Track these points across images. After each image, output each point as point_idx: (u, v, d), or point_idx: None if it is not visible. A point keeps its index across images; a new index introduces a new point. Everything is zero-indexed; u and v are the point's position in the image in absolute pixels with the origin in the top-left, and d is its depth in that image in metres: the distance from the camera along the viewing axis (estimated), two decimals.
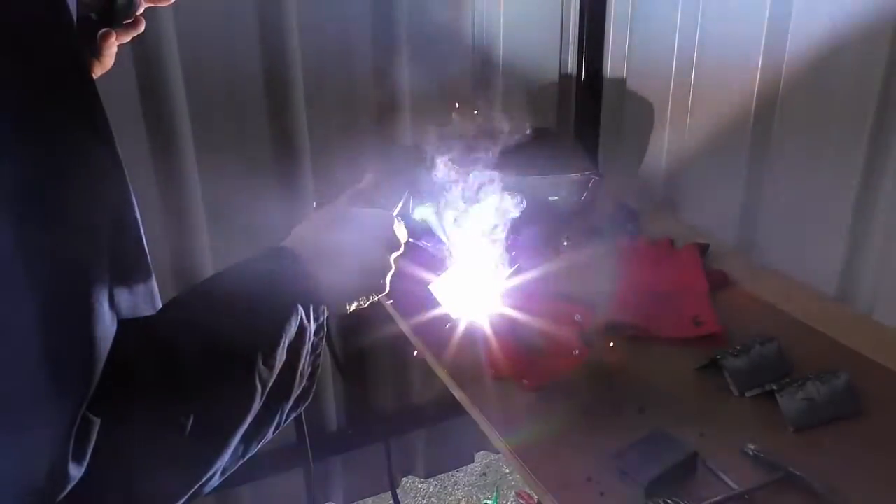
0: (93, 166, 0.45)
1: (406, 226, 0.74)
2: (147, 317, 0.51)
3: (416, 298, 0.94)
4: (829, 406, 0.95)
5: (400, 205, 0.75)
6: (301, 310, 0.59)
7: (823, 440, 0.92)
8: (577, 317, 0.95)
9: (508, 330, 0.98)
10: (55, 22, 0.43)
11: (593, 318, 0.96)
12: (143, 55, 1.36)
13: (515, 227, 1.17)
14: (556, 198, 1.42)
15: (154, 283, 0.52)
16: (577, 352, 0.96)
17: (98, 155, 0.46)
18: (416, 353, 1.12)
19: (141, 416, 0.46)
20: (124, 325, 0.46)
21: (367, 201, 0.73)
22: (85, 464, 0.42)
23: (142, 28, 0.67)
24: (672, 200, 1.62)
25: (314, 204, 0.77)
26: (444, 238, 0.87)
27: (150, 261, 0.53)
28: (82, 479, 0.42)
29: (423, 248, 0.87)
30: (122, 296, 0.47)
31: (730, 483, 0.84)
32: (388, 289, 0.69)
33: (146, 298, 0.50)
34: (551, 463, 0.88)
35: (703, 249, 1.40)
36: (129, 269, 0.48)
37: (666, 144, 1.61)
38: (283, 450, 1.55)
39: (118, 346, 0.45)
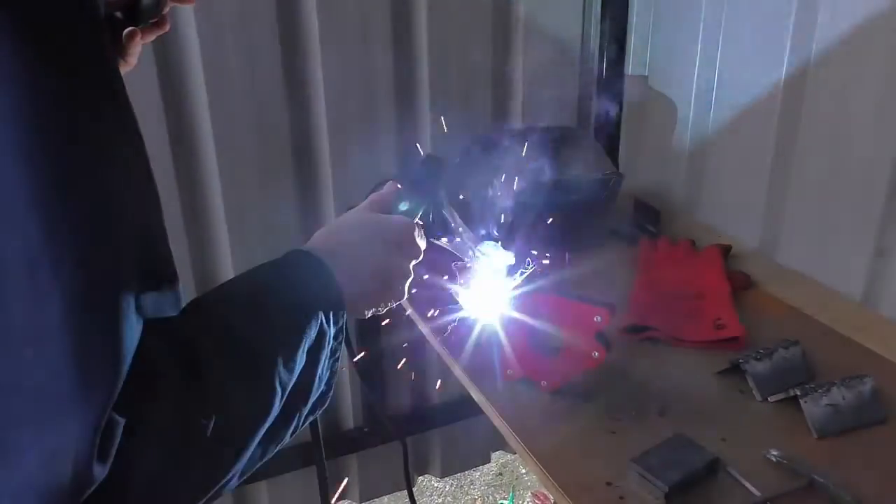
0: (121, 165, 0.45)
1: (426, 231, 0.74)
2: (170, 318, 0.51)
3: (435, 299, 0.95)
4: (854, 412, 0.94)
5: (420, 213, 0.75)
6: (321, 314, 0.59)
7: (848, 448, 0.91)
8: (597, 318, 0.95)
9: (526, 330, 0.98)
10: (84, 18, 0.43)
11: (613, 319, 0.96)
12: (163, 55, 1.38)
13: (535, 228, 1.18)
14: (575, 197, 1.41)
15: (179, 285, 0.52)
16: (596, 353, 0.96)
17: (126, 153, 0.46)
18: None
19: (163, 417, 0.46)
20: (148, 326, 0.47)
21: (388, 208, 0.73)
22: (109, 463, 0.42)
23: (167, 27, 0.67)
24: (694, 200, 1.60)
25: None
26: (463, 238, 0.88)
27: (174, 262, 0.53)
28: (105, 479, 0.42)
29: (442, 248, 0.87)
30: (148, 296, 0.47)
31: (752, 490, 0.83)
32: (406, 296, 0.70)
33: (171, 299, 0.50)
34: (569, 465, 0.88)
35: (725, 250, 1.39)
36: (155, 270, 0.48)
37: (688, 143, 1.59)
38: (302, 446, 1.57)
39: (142, 347, 0.45)
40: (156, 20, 0.66)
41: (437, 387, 1.80)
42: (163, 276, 0.49)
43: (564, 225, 1.33)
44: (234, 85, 1.45)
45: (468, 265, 0.91)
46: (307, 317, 0.58)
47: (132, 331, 0.44)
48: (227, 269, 1.56)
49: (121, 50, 0.64)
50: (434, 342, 1.13)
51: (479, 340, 0.98)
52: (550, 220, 1.27)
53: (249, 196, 1.53)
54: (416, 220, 0.75)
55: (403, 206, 0.74)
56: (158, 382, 0.47)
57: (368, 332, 1.58)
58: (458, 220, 0.85)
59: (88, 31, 0.43)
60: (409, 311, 1.19)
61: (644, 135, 1.74)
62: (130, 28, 0.63)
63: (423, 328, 1.15)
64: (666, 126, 1.65)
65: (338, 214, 1.56)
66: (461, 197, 1.08)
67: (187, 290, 0.53)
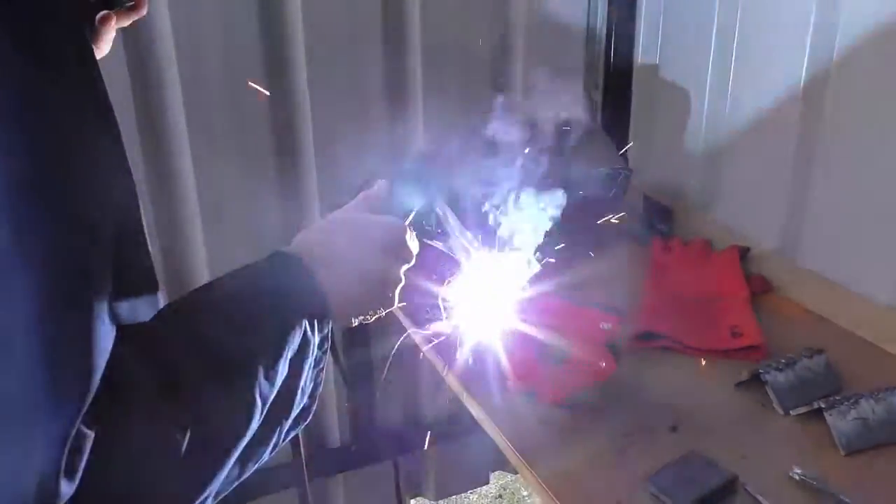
0: (96, 158, 0.45)
1: (418, 234, 0.75)
2: (143, 323, 0.51)
3: (428, 305, 0.94)
4: (884, 427, 0.94)
5: (413, 214, 0.75)
6: (305, 322, 0.59)
7: (878, 465, 0.90)
8: (605, 325, 0.96)
9: (529, 339, 0.98)
10: (59, 2, 0.43)
11: (622, 327, 0.97)
12: (134, 40, 1.37)
13: (537, 228, 1.18)
14: (582, 194, 1.41)
15: (159, 289, 0.52)
16: (604, 363, 0.96)
17: (102, 146, 0.46)
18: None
19: (136, 431, 0.46)
20: (122, 332, 0.46)
21: (378, 208, 0.73)
22: (77, 480, 0.42)
23: (144, 11, 0.67)
24: (709, 197, 1.59)
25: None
26: (459, 238, 0.87)
27: (153, 265, 0.54)
28: (72, 496, 0.42)
29: (436, 249, 0.86)
30: (124, 300, 0.47)
31: None
32: (396, 303, 0.70)
33: (149, 304, 0.50)
34: (576, 485, 0.88)
35: (743, 252, 1.39)
36: (131, 272, 0.48)
37: (702, 137, 1.59)
38: (280, 468, 1.56)
39: (114, 355, 0.45)
40: (132, 3, 0.65)
41: (431, 400, 1.80)
42: (141, 280, 0.49)
43: (569, 224, 1.34)
44: (210, 74, 1.45)
45: (465, 268, 0.90)
46: (290, 324, 0.58)
47: (105, 338, 0.44)
48: (202, 272, 1.55)
49: (93, 35, 0.63)
50: (427, 351, 1.13)
51: (477, 350, 0.98)
52: (554, 219, 1.27)
53: (227, 193, 1.52)
54: (409, 220, 0.75)
55: (395, 206, 0.75)
56: (131, 393, 0.47)
57: (356, 340, 1.58)
58: (455, 221, 0.85)
59: (66, 14, 0.43)
60: (400, 319, 1.19)
61: (655, 127, 1.74)
62: (105, 11, 0.63)
63: (416, 336, 1.15)
64: (679, 118, 1.65)
65: (323, 214, 1.55)
66: (463, 196, 1.08)
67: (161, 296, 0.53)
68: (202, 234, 1.53)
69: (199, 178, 1.49)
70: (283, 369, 0.58)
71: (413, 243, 0.72)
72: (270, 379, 0.56)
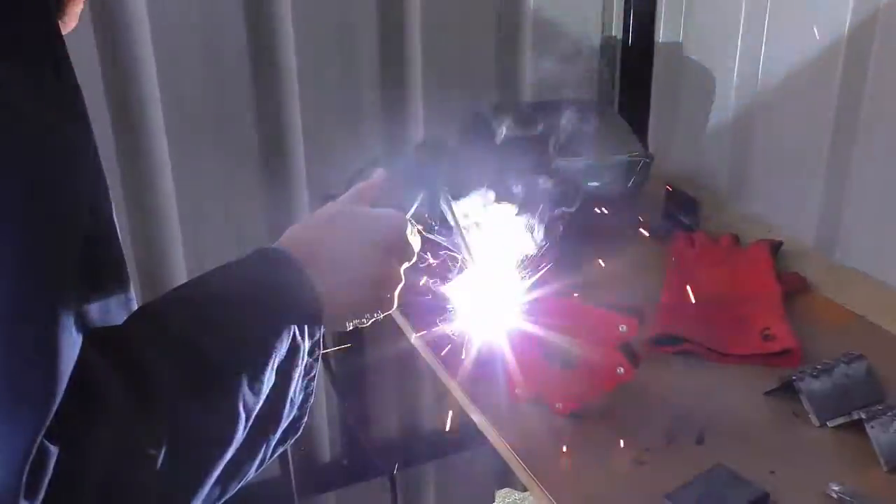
0: (64, 149, 0.45)
1: (419, 229, 0.75)
2: (115, 327, 0.51)
3: (430, 307, 0.95)
4: None
5: (415, 207, 0.76)
6: (294, 326, 0.59)
7: None
8: (622, 328, 0.95)
9: (538, 343, 0.98)
10: None
11: (641, 329, 0.96)
12: (105, 19, 1.36)
13: (547, 221, 1.18)
14: (596, 184, 1.41)
15: (131, 288, 0.52)
16: (621, 369, 0.96)
17: (70, 135, 0.46)
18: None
19: (105, 446, 0.46)
20: (90, 337, 0.46)
21: (375, 201, 0.73)
22: (39, 500, 0.42)
23: None
24: (738, 187, 1.59)
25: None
26: (462, 234, 0.89)
27: (126, 264, 0.54)
28: None
29: (438, 244, 0.88)
30: (94, 302, 0.47)
31: None
32: (395, 305, 0.70)
33: (120, 304, 0.50)
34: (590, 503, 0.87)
35: (775, 247, 1.38)
36: (102, 270, 0.48)
37: (731, 120, 1.59)
38: (266, 484, 1.56)
39: (82, 362, 0.45)
40: None
41: (430, 410, 1.80)
42: (112, 279, 0.49)
43: (583, 217, 1.34)
44: (189, 57, 1.45)
45: (469, 266, 0.91)
46: (277, 328, 0.58)
47: (71, 344, 0.44)
48: (180, 272, 1.55)
49: (58, 9, 0.64)
50: (428, 357, 1.13)
51: (482, 354, 0.98)
52: (567, 211, 1.27)
53: (207, 186, 1.52)
54: (409, 213, 0.75)
55: (394, 198, 0.75)
56: (100, 405, 0.47)
57: (350, 345, 1.58)
58: (459, 215, 0.86)
59: None
60: (399, 322, 1.19)
61: (678, 110, 1.74)
62: None
63: (416, 340, 1.16)
64: (704, 100, 1.64)
65: (314, 208, 1.56)
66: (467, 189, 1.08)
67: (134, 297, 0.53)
68: (179, 232, 1.54)
69: (178, 174, 1.50)
70: (269, 378, 0.57)
71: (414, 239, 0.72)
72: (256, 389, 0.56)
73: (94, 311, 0.49)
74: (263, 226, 1.57)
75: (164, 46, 1.41)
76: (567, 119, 1.47)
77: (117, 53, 1.39)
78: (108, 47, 1.38)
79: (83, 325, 0.46)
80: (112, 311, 0.51)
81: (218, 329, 0.56)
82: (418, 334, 1.12)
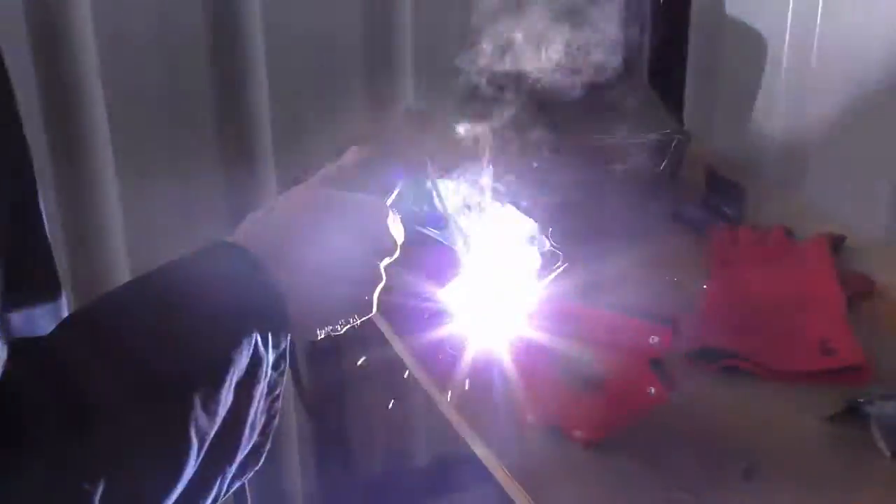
0: None
1: (404, 217, 0.76)
2: (43, 337, 0.52)
3: (419, 312, 0.96)
4: None
5: (397, 190, 0.77)
6: (256, 335, 0.60)
7: None
8: (654, 339, 0.95)
9: (553, 357, 0.98)
10: None
11: (676, 341, 0.96)
12: None
13: (563, 212, 1.17)
14: (623, 168, 1.40)
15: (62, 295, 0.53)
16: (652, 390, 0.96)
17: None
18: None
19: (31, 480, 0.47)
20: (15, 350, 0.47)
21: (350, 184, 0.74)
22: None
23: None
24: (791, 172, 1.60)
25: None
26: (456, 223, 0.90)
27: (56, 265, 0.55)
28: None
29: (431, 238, 0.89)
30: (18, 311, 0.48)
31: None
32: (374, 309, 0.72)
33: (49, 313, 0.51)
34: None
35: (837, 243, 1.38)
36: (30, 276, 0.49)
37: (782, 92, 1.59)
38: None
39: (5, 381, 0.46)
40: None
41: (421, 437, 1.81)
42: (39, 285, 0.50)
43: (606, 207, 1.33)
44: (133, 16, 1.46)
45: (466, 262, 0.92)
46: (236, 338, 0.59)
47: None
48: (121, 273, 1.57)
49: None
50: (418, 373, 1.13)
51: (484, 371, 0.98)
52: (587, 200, 1.26)
53: (154, 170, 1.54)
54: (392, 199, 0.76)
55: (373, 180, 0.76)
56: (26, 431, 0.47)
57: (323, 358, 1.59)
58: (452, 199, 0.88)
59: None
60: (382, 329, 1.20)
61: (719, 80, 1.74)
62: None
63: (403, 354, 1.16)
64: (750, 67, 1.65)
65: (280, 192, 1.59)
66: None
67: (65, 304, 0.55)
68: (122, 225, 1.55)
69: (119, 155, 1.51)
70: (226, 398, 0.58)
71: (397, 229, 0.73)
72: (210, 410, 0.56)
73: (19, 319, 0.50)
74: (221, 213, 1.60)
75: (107, 22, 1.43)
76: (585, 90, 1.46)
77: (51, 33, 1.40)
78: (40, 27, 1.39)
79: (5, 335, 0.47)
80: (39, 319, 0.52)
81: (163, 338, 0.56)
82: (407, 346, 1.13)
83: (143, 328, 0.57)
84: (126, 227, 1.54)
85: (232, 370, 0.58)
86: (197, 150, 1.56)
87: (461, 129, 1.31)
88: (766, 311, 1.24)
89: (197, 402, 0.55)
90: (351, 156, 0.77)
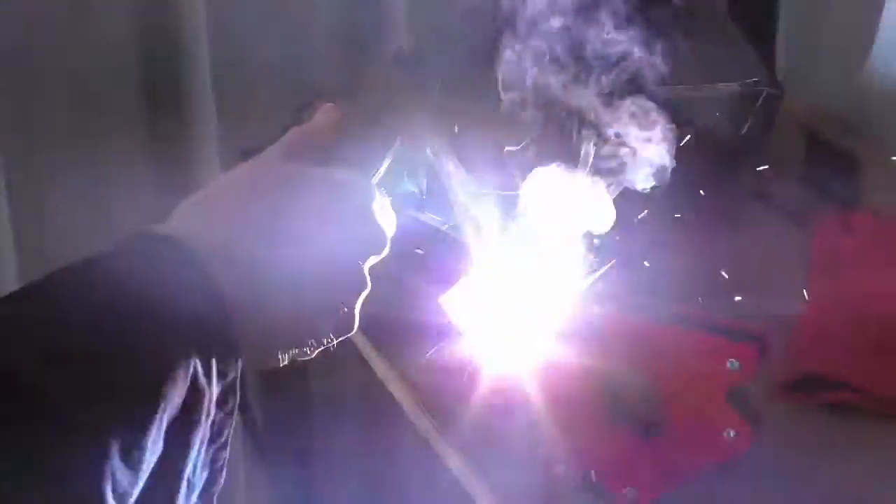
0: None
1: (396, 200, 0.77)
2: None
3: (414, 326, 0.99)
4: None
5: (386, 163, 0.78)
6: (195, 360, 0.59)
7: None
8: (732, 364, 0.97)
9: (594, 389, 0.99)
10: None
11: (763, 365, 0.98)
12: None
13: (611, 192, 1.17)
14: (691, 131, 1.39)
15: None
16: (731, 432, 0.97)
17: None
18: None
19: None
20: None
21: (324, 155, 0.75)
22: None
23: None
24: None
25: None
26: (466, 208, 0.90)
27: None
28: None
29: (428, 226, 0.91)
30: None
31: None
32: (356, 326, 0.73)
33: None
34: None
35: None
36: None
37: None
38: None
39: None
40: None
41: (416, 490, 1.79)
42: None
43: (669, 185, 1.32)
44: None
45: (477, 258, 0.92)
46: (166, 365, 0.58)
47: None
48: (9, 279, 1.57)
49: None
50: (409, 407, 1.13)
51: (499, 405, 0.99)
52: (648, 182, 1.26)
53: (52, 143, 1.55)
54: (379, 175, 0.77)
55: (354, 150, 0.77)
56: None
57: (284, 388, 1.59)
58: (460, 175, 0.88)
59: None
60: (362, 351, 1.20)
61: (823, 16, 1.75)
62: None
63: (390, 380, 1.16)
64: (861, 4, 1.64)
65: (225, 169, 1.63)
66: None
67: None
68: (6, 216, 1.56)
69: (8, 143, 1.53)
70: (154, 446, 0.57)
71: (387, 218, 0.74)
72: (132, 462, 0.55)
73: None
74: (146, 199, 1.61)
75: None
76: (646, 27, 1.45)
77: None
78: None
79: None
80: None
81: (69, 367, 0.56)
82: (394, 369, 1.13)
83: (38, 353, 0.56)
84: (13, 217, 1.55)
85: (162, 408, 0.57)
86: (107, 108, 1.58)
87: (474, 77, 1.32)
88: (888, 329, 1.23)
89: (114, 451, 0.54)
90: (324, 116, 0.77)
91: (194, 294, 0.62)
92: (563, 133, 1.21)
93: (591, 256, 0.97)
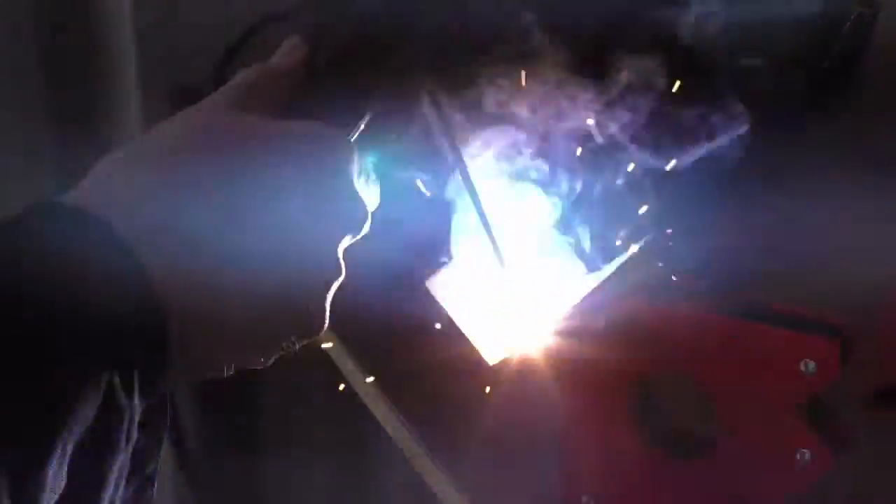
0: None
1: (378, 165, 0.80)
2: None
3: (401, 325, 1.01)
4: None
5: (367, 117, 0.79)
6: (111, 372, 0.60)
7: None
8: (805, 364, 0.97)
9: (625, 399, 1.01)
10: None
11: (847, 370, 0.99)
12: None
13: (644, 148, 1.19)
14: (757, 62, 1.41)
15: None
16: (806, 454, 0.98)
17: None
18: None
19: None
20: None
21: (285, 105, 0.77)
22: None
23: None
24: None
25: None
26: (468, 175, 0.91)
27: None
28: None
29: (423, 197, 0.93)
30: None
31: None
32: (325, 325, 0.73)
33: None
34: None
35: None
36: None
37: None
38: None
39: None
40: None
41: None
42: None
43: (721, 140, 1.34)
44: None
45: (479, 238, 0.94)
46: (72, 378, 0.58)
47: None
48: None
49: None
50: (388, 423, 1.16)
51: (503, 418, 1.00)
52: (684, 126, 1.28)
53: None
54: (356, 132, 0.79)
55: (322, 96, 0.79)
56: None
57: (224, 403, 1.62)
58: (458, 133, 0.89)
59: None
60: (333, 357, 1.22)
61: None
62: None
63: (363, 390, 1.18)
64: None
65: (150, 124, 1.67)
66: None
67: None
68: None
69: None
70: (55, 479, 0.58)
71: (368, 186, 0.77)
72: (27, 499, 0.56)
73: None
74: (50, 165, 1.65)
75: None
76: None
77: None
78: None
79: None
80: None
81: None
82: (380, 385, 1.15)
83: None
84: None
85: (65, 433, 0.57)
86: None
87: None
88: None
89: (2, 485, 0.55)
90: (287, 53, 0.79)
91: (110, 284, 0.61)
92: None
93: (620, 226, 0.98)
